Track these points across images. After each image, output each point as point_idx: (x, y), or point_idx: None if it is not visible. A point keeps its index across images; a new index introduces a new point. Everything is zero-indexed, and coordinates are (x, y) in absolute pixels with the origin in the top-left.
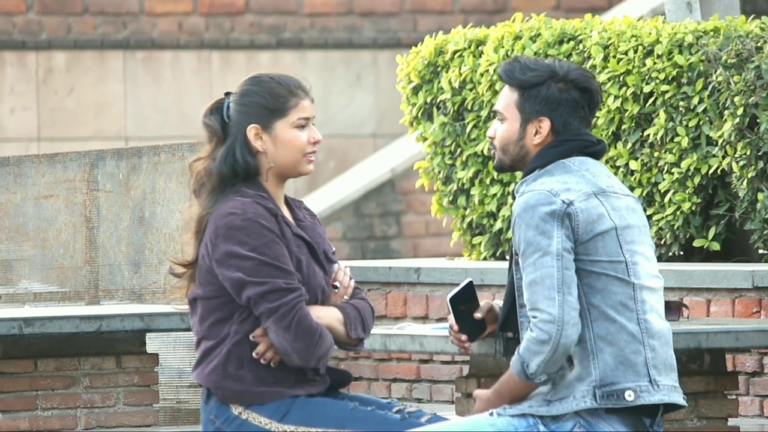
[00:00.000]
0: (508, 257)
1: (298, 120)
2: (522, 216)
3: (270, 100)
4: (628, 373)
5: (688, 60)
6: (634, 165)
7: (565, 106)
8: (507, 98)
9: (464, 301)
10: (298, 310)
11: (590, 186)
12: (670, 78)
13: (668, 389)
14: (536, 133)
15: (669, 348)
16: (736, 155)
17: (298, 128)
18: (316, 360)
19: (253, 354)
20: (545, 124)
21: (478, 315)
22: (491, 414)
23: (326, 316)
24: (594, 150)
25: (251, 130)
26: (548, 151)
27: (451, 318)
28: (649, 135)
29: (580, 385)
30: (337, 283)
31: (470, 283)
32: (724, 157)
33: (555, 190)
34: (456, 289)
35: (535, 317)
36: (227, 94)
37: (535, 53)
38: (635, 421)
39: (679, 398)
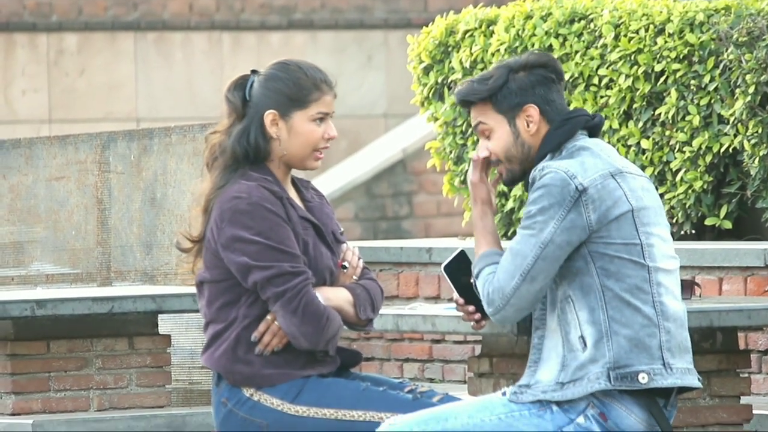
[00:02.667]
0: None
1: (317, 114)
2: (536, 190)
3: (293, 89)
4: (642, 355)
5: (699, 38)
6: (645, 144)
7: (538, 86)
8: (481, 112)
9: (462, 272)
10: (304, 294)
11: (607, 166)
12: (681, 56)
13: (681, 372)
14: (528, 124)
15: (684, 330)
16: (747, 133)
17: (315, 122)
18: (324, 343)
19: (255, 351)
20: (533, 111)
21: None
22: (504, 394)
23: (336, 297)
24: (594, 123)
25: (269, 116)
26: (555, 133)
27: (455, 293)
28: (660, 114)
29: (593, 366)
30: (346, 263)
31: (462, 252)
32: (735, 136)
33: (572, 171)
34: (449, 258)
35: (492, 274)
36: (254, 72)
37: (546, 32)
38: (649, 401)
39: (693, 380)
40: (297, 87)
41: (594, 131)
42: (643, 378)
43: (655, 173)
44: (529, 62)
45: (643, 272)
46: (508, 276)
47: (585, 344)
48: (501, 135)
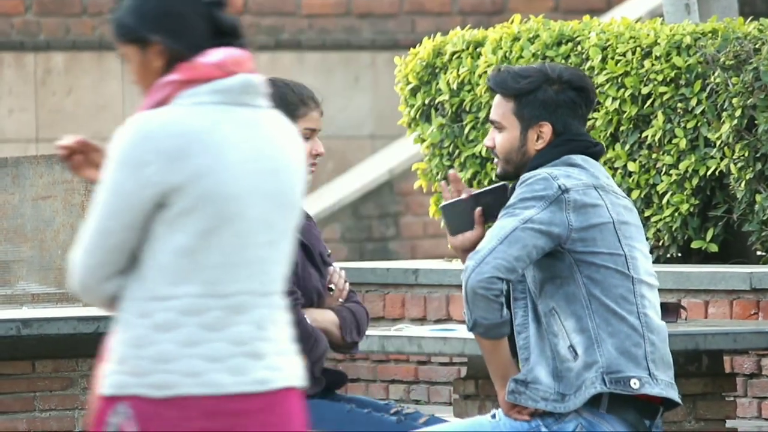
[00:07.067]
0: None
1: (304, 130)
2: (519, 187)
3: (280, 105)
4: (629, 363)
5: (686, 61)
6: (632, 166)
7: (563, 108)
8: (502, 107)
9: (461, 219)
10: (293, 314)
11: (592, 179)
12: (668, 79)
13: (665, 384)
14: (538, 139)
15: (666, 345)
16: (734, 157)
17: (303, 138)
18: (311, 364)
19: None
20: (546, 129)
21: (464, 195)
22: (493, 416)
23: (322, 319)
24: (594, 151)
25: None
26: (550, 150)
27: (449, 234)
28: (647, 136)
29: (587, 373)
30: (332, 286)
31: (504, 185)
32: (722, 159)
33: (556, 174)
34: (451, 200)
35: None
36: None
37: (534, 55)
38: (636, 422)
39: (675, 395)
40: (284, 102)
41: (594, 158)
42: (635, 383)
43: (642, 196)
44: (565, 79)
45: (628, 283)
46: (486, 241)
47: (576, 353)
48: (509, 137)
